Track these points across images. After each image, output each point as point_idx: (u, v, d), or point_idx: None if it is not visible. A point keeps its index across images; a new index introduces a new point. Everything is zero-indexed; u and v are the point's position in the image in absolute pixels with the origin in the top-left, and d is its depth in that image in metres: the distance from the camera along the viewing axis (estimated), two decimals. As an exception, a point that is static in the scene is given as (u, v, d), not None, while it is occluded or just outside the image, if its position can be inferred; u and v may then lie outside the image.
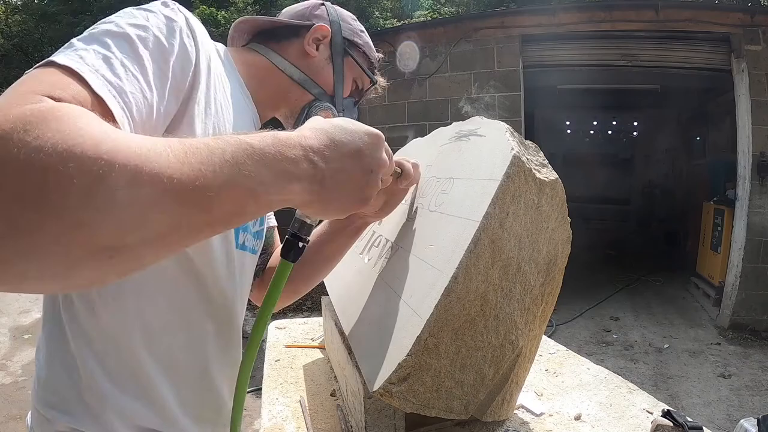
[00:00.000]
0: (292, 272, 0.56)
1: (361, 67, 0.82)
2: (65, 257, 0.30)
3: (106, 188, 0.30)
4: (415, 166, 0.77)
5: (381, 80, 0.88)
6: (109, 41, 0.45)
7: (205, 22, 12.28)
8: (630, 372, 3.58)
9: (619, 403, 0.99)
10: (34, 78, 0.38)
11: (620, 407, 0.97)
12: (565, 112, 8.63)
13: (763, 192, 4.32)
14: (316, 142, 0.44)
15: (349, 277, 1.06)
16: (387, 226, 1.00)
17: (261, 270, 0.92)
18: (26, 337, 4.58)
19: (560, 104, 7.08)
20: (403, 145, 1.36)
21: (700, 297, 5.28)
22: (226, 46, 0.75)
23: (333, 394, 1.06)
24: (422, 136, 1.23)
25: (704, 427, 0.81)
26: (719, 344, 4.12)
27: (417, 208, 0.92)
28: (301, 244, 0.54)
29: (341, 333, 0.96)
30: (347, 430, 0.91)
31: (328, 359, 1.21)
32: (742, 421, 0.94)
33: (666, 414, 0.81)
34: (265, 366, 1.26)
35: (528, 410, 0.97)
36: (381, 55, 0.88)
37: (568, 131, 9.40)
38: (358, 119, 0.58)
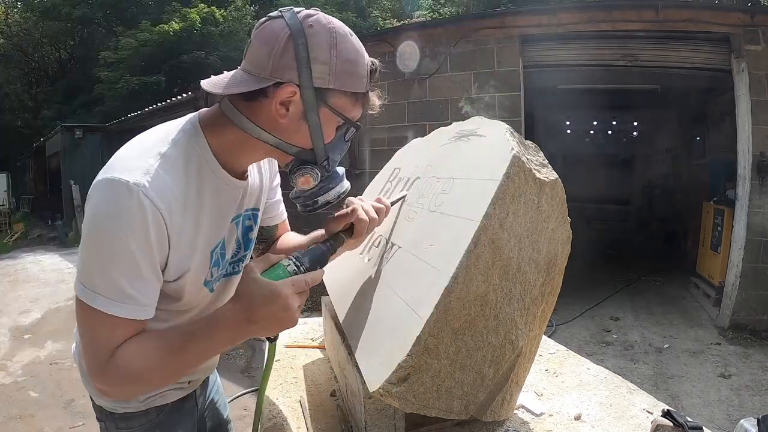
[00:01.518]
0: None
1: (340, 113, 0.74)
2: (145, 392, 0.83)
3: (148, 387, 0.77)
4: (377, 210, 0.89)
5: (375, 102, 0.79)
6: (117, 279, 0.67)
7: (205, 21, 12.20)
8: (630, 372, 3.58)
9: (619, 403, 0.99)
10: (95, 330, 0.68)
11: (620, 407, 0.97)
12: (565, 112, 8.62)
13: (763, 192, 4.32)
14: (243, 316, 0.68)
15: (349, 277, 1.06)
16: (387, 227, 1.00)
17: (268, 245, 1.05)
18: (26, 337, 4.58)
19: (560, 104, 7.07)
20: (403, 145, 1.36)
21: (700, 297, 5.28)
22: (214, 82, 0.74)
23: (333, 394, 1.06)
24: (422, 136, 1.23)
25: (704, 427, 0.81)
26: (719, 344, 4.12)
27: (416, 210, 0.92)
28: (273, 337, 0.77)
29: (341, 333, 0.96)
30: (347, 430, 0.91)
31: (328, 359, 1.21)
32: (742, 421, 0.94)
33: (666, 414, 0.81)
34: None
35: (528, 410, 0.97)
36: (374, 66, 0.76)
37: (568, 131, 9.39)
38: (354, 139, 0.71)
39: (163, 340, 0.69)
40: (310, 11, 0.72)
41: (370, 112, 0.81)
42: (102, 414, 0.91)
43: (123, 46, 12.17)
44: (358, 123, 0.79)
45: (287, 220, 1.08)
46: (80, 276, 0.67)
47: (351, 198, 0.89)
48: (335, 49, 0.70)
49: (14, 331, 4.73)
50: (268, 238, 1.03)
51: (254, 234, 0.92)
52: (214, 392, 1.11)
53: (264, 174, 0.93)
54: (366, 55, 0.75)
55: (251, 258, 0.96)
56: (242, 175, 0.82)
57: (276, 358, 1.28)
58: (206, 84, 0.74)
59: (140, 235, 0.65)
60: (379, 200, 0.93)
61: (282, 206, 1.04)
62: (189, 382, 0.96)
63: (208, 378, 1.07)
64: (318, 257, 0.76)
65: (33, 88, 18.95)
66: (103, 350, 0.67)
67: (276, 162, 0.93)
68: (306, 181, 0.78)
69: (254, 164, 0.88)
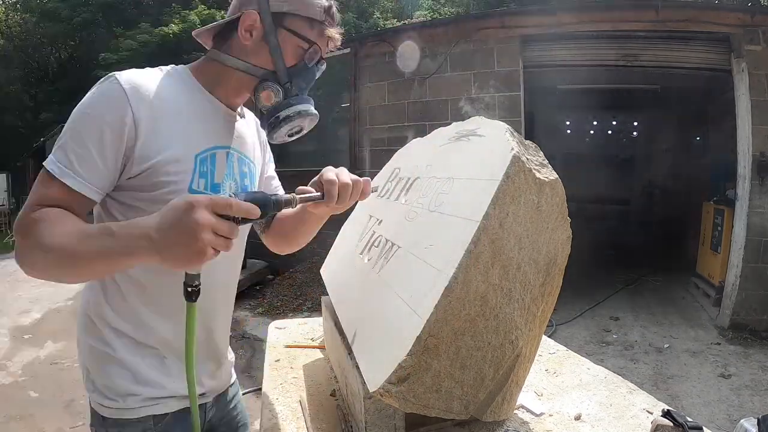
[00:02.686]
0: (282, 230, 1.06)
1: (297, 33, 0.83)
2: (43, 269, 0.73)
3: (46, 257, 0.70)
4: (351, 183, 0.85)
5: (331, 32, 0.86)
6: (71, 143, 0.74)
7: (204, 22, 12.27)
8: (630, 372, 3.58)
9: (619, 403, 0.99)
10: (36, 186, 0.74)
11: (620, 407, 0.97)
12: (565, 112, 8.63)
13: (763, 192, 4.32)
14: (154, 225, 0.63)
15: (349, 277, 1.06)
16: (387, 227, 1.00)
17: (266, 227, 1.09)
18: (26, 337, 4.58)
19: (560, 104, 7.07)
20: (403, 145, 1.36)
21: (700, 297, 5.28)
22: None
23: (333, 394, 1.06)
24: (422, 136, 1.23)
25: (704, 427, 0.81)
26: (719, 344, 4.12)
27: (415, 210, 0.92)
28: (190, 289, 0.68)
29: (341, 333, 0.96)
30: (347, 430, 0.91)
31: (328, 359, 1.21)
32: (742, 421, 0.94)
33: (666, 414, 0.81)
34: (265, 366, 1.26)
35: (528, 410, 0.97)
36: (327, 5, 0.85)
37: (568, 131, 9.39)
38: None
39: (79, 222, 0.73)
40: None
41: (332, 50, 0.89)
42: (94, 419, 0.88)
43: (123, 47, 12.18)
44: (317, 45, 0.86)
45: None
46: (54, 150, 0.76)
47: (328, 167, 0.88)
48: None
49: (14, 331, 4.73)
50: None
51: (250, 186, 0.96)
52: (231, 407, 1.06)
53: (260, 136, 1.03)
54: None
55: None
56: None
57: (276, 358, 1.29)
58: (196, 31, 0.89)
59: (104, 118, 0.74)
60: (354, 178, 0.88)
61: (277, 181, 1.11)
62: (201, 394, 0.91)
63: (227, 391, 1.04)
64: (257, 199, 0.69)
65: (33, 88, 18.94)
66: (32, 204, 0.73)
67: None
68: (267, 97, 0.84)
69: (246, 122, 0.98)
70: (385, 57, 5.45)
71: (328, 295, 1.18)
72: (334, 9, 0.87)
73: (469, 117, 0.98)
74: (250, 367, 3.75)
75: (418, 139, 1.25)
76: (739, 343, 4.12)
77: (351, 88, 5.67)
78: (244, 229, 0.97)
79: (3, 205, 13.16)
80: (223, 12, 12.91)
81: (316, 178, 0.86)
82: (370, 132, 5.60)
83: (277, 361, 1.27)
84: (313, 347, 1.34)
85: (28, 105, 18.62)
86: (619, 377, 1.11)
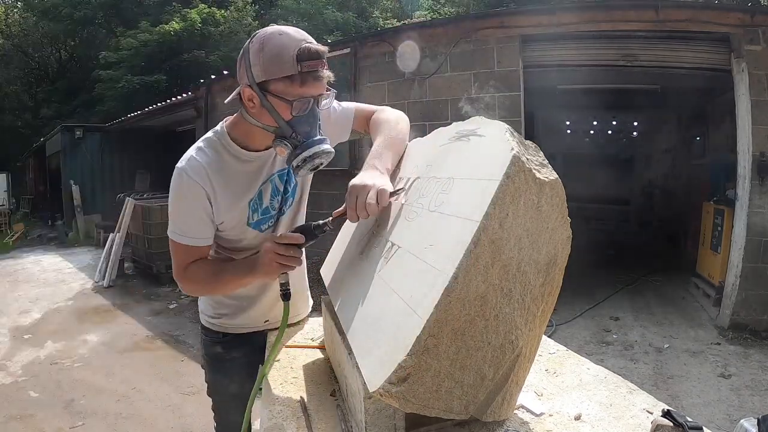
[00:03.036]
0: None
1: (278, 96, 0.99)
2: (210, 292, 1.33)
3: (203, 290, 1.31)
4: (375, 196, 0.99)
5: (313, 76, 0.99)
6: (182, 223, 1.14)
7: (205, 21, 12.20)
8: (630, 372, 3.58)
9: (619, 403, 0.99)
10: (176, 254, 1.16)
11: (620, 407, 0.97)
12: (565, 112, 8.62)
13: (763, 192, 4.32)
14: (257, 262, 1.06)
15: (349, 277, 1.07)
16: (387, 227, 1.00)
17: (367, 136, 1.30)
18: (26, 337, 4.58)
19: (560, 104, 7.07)
20: (402, 145, 1.36)
21: (700, 297, 5.28)
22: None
23: (333, 394, 1.06)
24: (422, 136, 1.23)
25: (704, 427, 0.81)
26: (719, 344, 4.12)
27: (417, 209, 0.92)
28: (282, 292, 1.10)
29: (341, 333, 0.96)
30: (347, 430, 0.91)
31: (328, 359, 1.21)
32: (742, 421, 0.94)
33: (666, 414, 0.81)
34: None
35: (528, 410, 0.97)
36: (299, 52, 0.96)
37: (568, 131, 9.38)
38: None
39: (212, 265, 1.17)
40: (262, 30, 1.02)
41: (328, 80, 1.03)
42: (200, 325, 1.43)
43: (124, 46, 12.17)
44: (308, 96, 1.00)
45: (362, 108, 1.30)
46: (169, 225, 1.13)
47: (353, 183, 1.02)
48: (262, 52, 0.98)
49: (14, 331, 4.72)
50: (360, 135, 1.32)
51: (292, 184, 1.24)
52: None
53: None
54: (294, 43, 0.97)
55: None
56: (264, 150, 1.15)
57: (276, 358, 1.29)
58: (227, 100, 1.10)
59: (190, 199, 1.10)
60: (382, 190, 0.99)
61: (342, 106, 1.27)
62: (266, 321, 1.37)
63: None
64: (302, 230, 1.04)
65: (33, 88, 18.93)
66: (180, 265, 1.15)
67: None
68: (281, 151, 1.04)
69: None
70: (385, 57, 5.44)
71: (328, 295, 1.18)
72: (310, 48, 0.97)
73: (469, 117, 0.98)
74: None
75: (418, 139, 1.25)
76: (739, 343, 4.11)
77: (351, 88, 5.67)
78: None
79: (3, 205, 13.15)
80: (223, 11, 12.91)
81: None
82: (370, 132, 5.60)
83: (277, 361, 1.27)
84: (313, 347, 1.34)
85: (28, 105, 18.61)
86: (619, 377, 1.11)
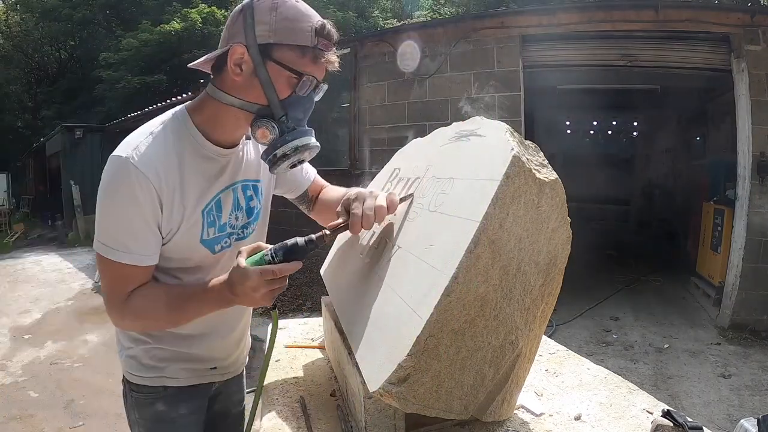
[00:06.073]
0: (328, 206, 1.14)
1: (286, 66, 0.81)
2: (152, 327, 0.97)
3: (146, 326, 0.95)
4: (376, 208, 0.89)
5: (326, 55, 0.83)
6: (123, 233, 0.83)
7: (205, 21, 12.19)
8: (630, 372, 3.58)
9: (619, 403, 0.99)
10: (111, 279, 0.86)
11: (620, 407, 0.97)
12: (565, 112, 8.62)
13: (763, 192, 4.32)
14: (228, 289, 0.81)
15: (349, 278, 1.06)
16: (387, 227, 1.00)
17: (310, 206, 1.19)
18: (26, 337, 4.58)
19: (560, 104, 7.07)
20: (403, 145, 1.36)
21: (700, 297, 5.28)
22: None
23: (333, 394, 1.06)
24: (422, 136, 1.23)
25: (704, 427, 0.81)
26: (719, 344, 4.12)
27: (417, 209, 0.93)
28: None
29: (341, 333, 0.96)
30: (347, 430, 0.91)
31: (328, 359, 1.21)
32: (742, 421, 0.94)
33: (666, 414, 0.81)
34: (265, 366, 1.26)
35: (528, 410, 0.97)
36: (319, 26, 0.82)
37: (568, 131, 9.39)
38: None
39: (167, 296, 0.87)
40: None
41: (330, 68, 0.86)
42: (123, 381, 1.07)
43: (124, 46, 12.16)
44: (314, 77, 0.83)
45: (320, 177, 1.20)
46: (96, 234, 0.84)
47: (360, 190, 0.93)
48: (275, 12, 0.80)
49: (14, 331, 4.72)
50: (307, 199, 1.18)
51: (257, 205, 1.01)
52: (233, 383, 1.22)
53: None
54: (314, 16, 0.83)
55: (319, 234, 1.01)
56: (230, 147, 0.92)
57: (276, 358, 1.29)
58: (191, 64, 0.90)
59: (130, 199, 0.81)
60: (390, 197, 0.92)
61: (305, 169, 1.15)
62: (212, 368, 1.08)
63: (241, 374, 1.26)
64: (293, 251, 0.80)
65: (33, 88, 18.92)
66: (118, 293, 0.85)
67: None
68: (263, 134, 0.84)
69: (252, 143, 1.00)
70: (385, 57, 5.44)
71: (328, 295, 1.18)
72: (329, 27, 0.83)
73: (469, 117, 0.98)
74: (250, 367, 3.74)
75: (418, 139, 1.25)
76: (739, 343, 4.11)
77: (351, 88, 5.67)
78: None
79: (3, 205, 13.15)
80: (224, 11, 12.90)
81: (341, 205, 0.93)
82: (370, 132, 5.60)
83: (277, 361, 1.27)
84: (313, 347, 1.34)
85: (28, 105, 18.61)
86: (619, 377, 1.11)
